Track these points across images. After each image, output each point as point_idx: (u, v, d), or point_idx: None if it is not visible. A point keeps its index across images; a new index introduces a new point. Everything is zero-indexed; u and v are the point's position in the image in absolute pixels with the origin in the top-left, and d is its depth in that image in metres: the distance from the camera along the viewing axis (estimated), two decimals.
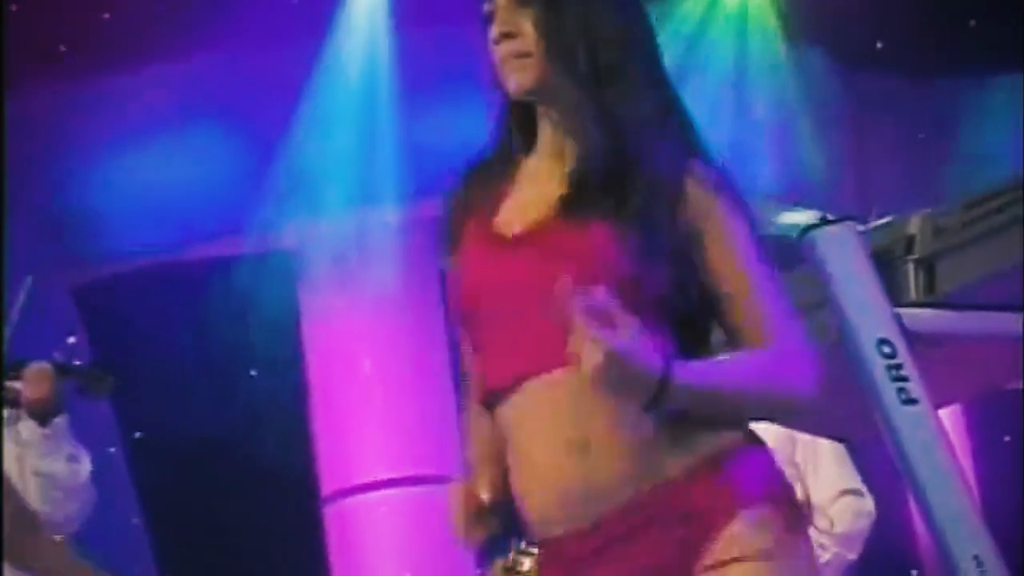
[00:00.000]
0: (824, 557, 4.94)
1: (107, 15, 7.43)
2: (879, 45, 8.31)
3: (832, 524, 4.99)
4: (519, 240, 2.55)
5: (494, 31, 2.58)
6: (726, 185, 2.56)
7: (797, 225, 3.11)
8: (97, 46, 7.45)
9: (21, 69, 7.28)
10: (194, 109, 7.88)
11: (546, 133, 2.62)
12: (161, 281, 7.88)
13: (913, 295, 3.08)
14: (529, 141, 2.64)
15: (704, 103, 7.56)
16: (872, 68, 8.42)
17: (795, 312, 2.60)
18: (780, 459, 4.94)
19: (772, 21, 8.30)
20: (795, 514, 2.54)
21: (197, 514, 7.75)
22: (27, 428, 4.50)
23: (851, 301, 3.02)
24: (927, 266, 3.08)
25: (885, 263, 3.08)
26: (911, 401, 2.96)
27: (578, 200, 2.52)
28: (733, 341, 2.56)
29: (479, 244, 2.58)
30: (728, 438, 2.50)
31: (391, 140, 7.89)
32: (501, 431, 2.57)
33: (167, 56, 7.62)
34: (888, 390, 2.96)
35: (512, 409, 2.52)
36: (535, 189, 2.59)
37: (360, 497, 7.80)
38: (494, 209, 2.60)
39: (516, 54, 2.56)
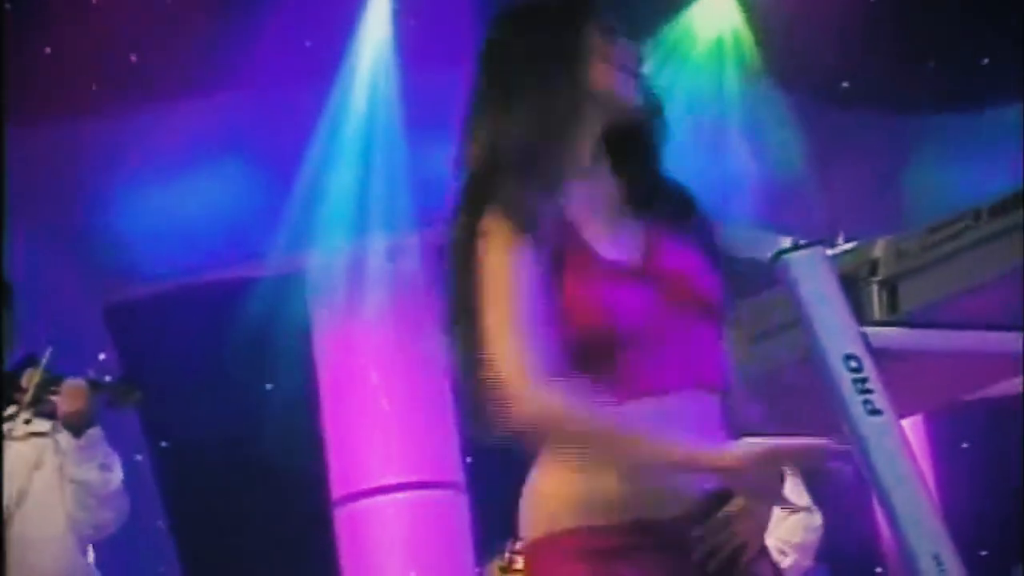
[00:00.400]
0: (784, 563, 5.06)
1: (134, 58, 7.44)
2: (845, 85, 8.33)
3: (790, 535, 5.13)
4: (638, 271, 2.51)
5: (636, 48, 2.58)
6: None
7: (770, 249, 3.10)
8: (126, 85, 7.45)
9: (55, 106, 7.28)
10: (215, 143, 7.88)
11: (584, 159, 2.58)
12: (184, 301, 7.88)
13: (877, 314, 3.08)
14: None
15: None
16: (838, 105, 8.45)
17: None
18: None
19: (742, 61, 8.30)
20: None
21: (218, 517, 7.74)
22: (63, 439, 4.47)
23: (820, 320, 3.01)
24: (890, 287, 3.08)
25: (851, 284, 3.08)
26: (876, 412, 2.95)
27: (668, 234, 2.55)
28: None
29: (592, 274, 2.50)
30: None
31: (396, 171, 7.88)
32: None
33: (189, 95, 7.62)
34: (855, 402, 2.95)
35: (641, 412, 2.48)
36: (608, 219, 2.57)
37: (369, 501, 7.78)
38: (578, 238, 2.53)
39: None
